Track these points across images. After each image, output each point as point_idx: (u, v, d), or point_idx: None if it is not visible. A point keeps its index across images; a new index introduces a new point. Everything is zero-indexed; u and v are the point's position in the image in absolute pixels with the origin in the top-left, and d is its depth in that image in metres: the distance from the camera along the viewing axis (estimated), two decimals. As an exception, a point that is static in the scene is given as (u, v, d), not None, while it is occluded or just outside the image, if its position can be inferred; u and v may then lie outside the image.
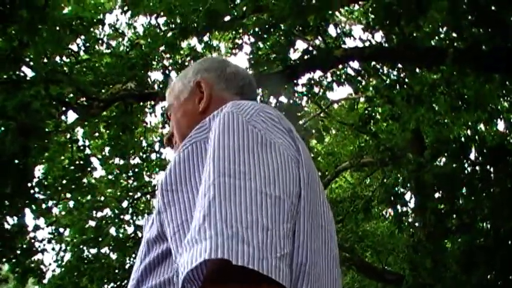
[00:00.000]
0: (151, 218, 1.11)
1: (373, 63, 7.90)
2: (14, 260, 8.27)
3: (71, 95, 7.39)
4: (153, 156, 9.93)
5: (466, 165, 7.27)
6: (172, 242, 0.96)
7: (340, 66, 8.00)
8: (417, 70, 7.76)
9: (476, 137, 7.54)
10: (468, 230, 6.43)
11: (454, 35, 7.03)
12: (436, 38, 7.42)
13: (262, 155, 0.98)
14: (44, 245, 8.95)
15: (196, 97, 1.37)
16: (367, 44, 7.62)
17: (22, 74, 6.91)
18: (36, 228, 8.62)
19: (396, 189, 8.04)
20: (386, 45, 7.33)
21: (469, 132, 8.53)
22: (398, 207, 8.03)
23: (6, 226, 7.49)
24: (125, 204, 9.63)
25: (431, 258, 6.48)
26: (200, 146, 1.04)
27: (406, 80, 7.77)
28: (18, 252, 8.04)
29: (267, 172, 0.96)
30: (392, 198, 7.74)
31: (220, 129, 1.01)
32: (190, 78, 1.41)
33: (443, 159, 7.68)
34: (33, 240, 8.61)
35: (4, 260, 7.85)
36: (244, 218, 0.87)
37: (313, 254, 0.97)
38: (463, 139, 7.52)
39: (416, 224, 8.44)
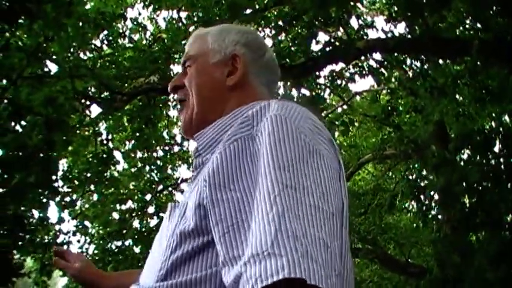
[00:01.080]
0: (180, 207, 1.09)
1: (396, 54, 7.83)
2: (37, 254, 8.41)
3: (93, 89, 7.46)
4: (176, 148, 9.98)
5: (490, 157, 7.18)
6: (222, 243, 0.93)
7: (363, 58, 7.95)
8: (440, 61, 7.68)
9: (501, 128, 7.44)
10: (494, 224, 6.36)
11: (479, 25, 6.94)
12: (460, 28, 7.34)
13: (314, 166, 0.97)
14: (69, 237, 9.10)
15: (227, 69, 1.28)
16: (389, 35, 7.56)
17: (46, 70, 7.01)
18: (61, 220, 8.76)
19: (419, 182, 7.99)
20: (409, 36, 7.26)
21: (493, 124, 8.43)
22: (422, 201, 7.97)
23: (31, 219, 7.61)
24: (148, 197, 9.72)
25: (458, 253, 6.42)
26: (245, 143, 1.01)
27: (430, 71, 7.69)
28: (40, 243, 8.17)
29: (320, 186, 0.95)
30: (416, 192, 7.69)
31: (273, 135, 0.98)
32: (228, 45, 1.30)
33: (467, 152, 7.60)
34: (58, 233, 8.75)
35: (29, 252, 7.98)
36: (309, 235, 0.87)
37: (350, 266, 0.99)
38: (487, 131, 7.43)
39: (440, 217, 8.37)
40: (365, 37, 7.59)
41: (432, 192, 8.11)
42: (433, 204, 8.39)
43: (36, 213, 7.72)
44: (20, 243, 7.45)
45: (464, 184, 6.68)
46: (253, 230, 0.88)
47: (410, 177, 9.03)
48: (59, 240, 8.79)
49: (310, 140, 1.01)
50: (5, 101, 5.46)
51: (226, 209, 0.95)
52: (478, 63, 6.85)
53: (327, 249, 0.88)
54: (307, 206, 0.90)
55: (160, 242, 1.14)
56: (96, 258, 9.26)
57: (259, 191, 0.92)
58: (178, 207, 1.10)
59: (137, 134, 8.85)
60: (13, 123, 6.04)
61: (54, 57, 6.99)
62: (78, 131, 7.90)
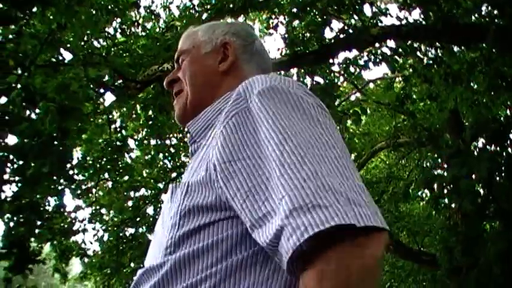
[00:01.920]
0: (182, 187, 1.11)
1: (410, 41, 7.76)
2: (54, 241, 8.50)
3: (107, 77, 7.48)
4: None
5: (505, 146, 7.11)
6: (244, 209, 0.96)
7: (377, 45, 7.89)
8: (455, 49, 7.60)
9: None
10: (506, 215, 6.30)
11: (495, 11, 6.85)
12: (476, 15, 7.25)
13: (323, 121, 1.03)
14: (85, 224, 9.18)
15: (219, 56, 1.35)
16: (403, 22, 7.49)
17: (60, 57, 7.03)
18: (77, 208, 8.83)
19: (433, 171, 7.92)
20: (423, 23, 7.19)
21: (508, 112, 8.35)
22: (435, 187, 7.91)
23: (47, 207, 7.67)
24: (161, 184, 9.76)
25: (466, 242, 6.39)
26: (244, 115, 1.03)
27: (444, 58, 7.62)
28: (58, 231, 8.23)
29: (335, 138, 1.00)
30: (429, 182, 7.64)
31: (275, 100, 1.02)
32: (218, 35, 1.38)
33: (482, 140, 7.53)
34: (74, 221, 8.83)
35: (46, 240, 8.05)
36: (345, 183, 0.90)
37: None
38: (502, 119, 7.35)
39: (453, 206, 8.33)
40: (379, 23, 7.52)
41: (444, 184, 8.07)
42: (446, 192, 8.35)
43: (52, 201, 7.79)
44: (36, 231, 7.52)
45: (477, 174, 6.63)
46: (285, 188, 0.90)
47: (424, 165, 8.97)
48: (74, 228, 8.87)
49: (312, 102, 1.06)
50: (19, 86, 5.48)
51: (240, 178, 0.97)
52: (494, 50, 6.77)
53: (365, 191, 0.92)
54: (333, 159, 0.94)
55: (162, 224, 1.15)
56: (111, 245, 9.34)
57: (280, 153, 0.94)
58: (180, 187, 1.12)
59: (150, 122, 8.88)
60: (28, 112, 6.08)
61: (68, 45, 7.02)
62: (92, 119, 7.93)
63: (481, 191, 6.79)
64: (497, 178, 6.50)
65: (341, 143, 1.00)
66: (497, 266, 5.64)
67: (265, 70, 1.39)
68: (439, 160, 8.04)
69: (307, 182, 0.88)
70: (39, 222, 6.97)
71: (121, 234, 9.41)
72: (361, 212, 0.86)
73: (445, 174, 7.30)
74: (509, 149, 7.05)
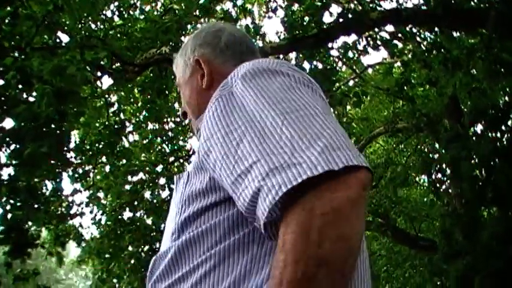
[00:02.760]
0: (184, 177, 1.16)
1: (410, 26, 7.72)
2: (51, 225, 8.50)
3: (106, 60, 7.44)
4: (187, 120, 9.93)
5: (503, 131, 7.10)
6: (222, 174, 0.99)
7: (376, 30, 7.84)
8: (455, 34, 7.56)
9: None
10: (505, 201, 6.31)
11: (495, -3, 6.80)
12: (476, 0, 7.20)
13: (304, 91, 1.04)
14: (82, 208, 9.18)
15: (198, 74, 1.39)
16: (403, 6, 7.45)
17: (57, 40, 6.98)
18: (75, 192, 8.83)
19: (431, 156, 7.93)
20: (423, 7, 7.14)
21: (506, 98, 8.32)
22: (434, 176, 7.91)
23: (44, 191, 7.66)
24: (159, 168, 9.75)
25: (464, 227, 6.40)
26: (227, 98, 1.07)
27: (444, 44, 7.58)
28: (55, 214, 8.24)
29: (316, 104, 1.01)
30: (428, 166, 7.63)
31: (256, 80, 1.05)
32: (190, 56, 1.42)
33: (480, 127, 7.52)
34: (71, 204, 8.83)
35: (43, 223, 8.05)
36: (325, 133, 0.92)
37: None
38: (501, 106, 7.33)
39: (450, 191, 8.34)
40: (378, 8, 7.47)
41: (443, 166, 8.07)
42: (444, 178, 8.35)
43: (49, 185, 7.79)
44: (34, 214, 7.52)
45: (475, 159, 6.63)
46: (261, 151, 0.92)
47: (422, 150, 8.97)
48: (72, 212, 8.88)
49: (296, 75, 1.08)
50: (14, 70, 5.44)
51: (216, 148, 1.01)
52: (494, 35, 6.73)
53: (344, 135, 0.94)
54: (313, 115, 0.96)
55: (170, 216, 1.20)
56: (109, 229, 9.35)
57: (258, 123, 0.97)
58: (182, 177, 1.17)
59: (148, 106, 8.85)
60: (24, 95, 6.04)
61: (65, 27, 6.96)
62: (89, 103, 7.90)
63: (480, 176, 6.79)
64: (497, 162, 6.50)
65: (322, 105, 1.02)
66: (494, 249, 5.66)
67: (244, 52, 1.42)
68: (437, 146, 8.04)
69: (282, 142, 0.91)
70: (36, 206, 6.96)
71: (119, 218, 9.41)
72: (339, 155, 0.88)
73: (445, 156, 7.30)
74: (508, 135, 7.05)
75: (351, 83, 11.02)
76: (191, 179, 1.12)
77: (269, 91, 1.02)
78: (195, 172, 1.11)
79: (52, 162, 6.76)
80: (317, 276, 0.82)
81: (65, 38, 6.98)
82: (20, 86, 5.64)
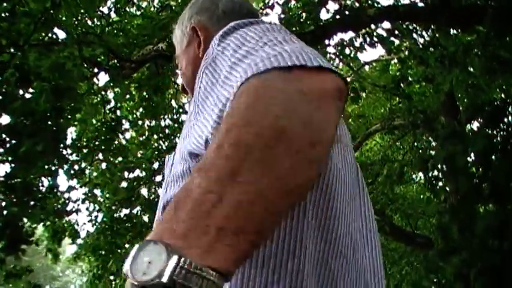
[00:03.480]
0: (171, 158, 1.16)
1: (407, 23, 7.72)
2: (47, 222, 8.49)
3: (102, 57, 7.43)
4: (184, 117, 9.95)
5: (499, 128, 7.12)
6: (200, 126, 0.94)
7: (373, 27, 7.84)
8: (451, 31, 7.56)
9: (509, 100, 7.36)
10: (501, 196, 6.32)
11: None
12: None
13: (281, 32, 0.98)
14: (78, 205, 9.17)
15: (195, 42, 1.32)
16: (400, 2, 7.45)
17: (54, 36, 6.96)
18: (71, 189, 8.81)
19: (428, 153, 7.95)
20: (420, 4, 7.14)
21: (503, 95, 8.34)
22: (431, 173, 7.94)
23: (40, 187, 7.64)
24: (156, 165, 9.74)
25: (460, 224, 6.41)
26: (210, 70, 1.00)
27: (440, 41, 7.59)
28: (51, 211, 8.22)
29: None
30: (424, 163, 7.65)
31: (227, 41, 0.99)
32: (186, 24, 1.36)
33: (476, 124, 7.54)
34: (67, 201, 8.81)
35: (40, 220, 8.04)
36: (286, 46, 0.86)
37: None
38: (497, 103, 7.35)
39: (448, 189, 8.36)
40: (375, 5, 7.47)
41: (440, 163, 8.07)
42: (441, 175, 8.37)
43: (45, 182, 7.77)
44: (29, 211, 7.50)
45: (471, 155, 6.65)
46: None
47: (418, 147, 8.98)
48: (68, 208, 8.86)
49: (266, 30, 0.99)
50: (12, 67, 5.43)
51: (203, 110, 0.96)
52: (491, 33, 6.73)
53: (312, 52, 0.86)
54: (277, 40, 0.90)
55: (161, 195, 1.18)
56: (105, 226, 9.34)
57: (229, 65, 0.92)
58: (170, 159, 1.17)
59: (145, 103, 8.83)
60: (21, 91, 6.03)
61: (62, 24, 6.94)
62: (86, 99, 7.88)
63: (476, 172, 6.81)
64: (493, 158, 6.52)
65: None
66: (489, 243, 5.68)
67: (243, 15, 1.34)
68: (434, 143, 8.05)
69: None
70: (32, 203, 6.95)
71: (116, 216, 9.41)
72: (307, 58, 0.80)
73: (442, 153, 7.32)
74: (504, 132, 7.07)
75: (348, 80, 11.01)
76: (181, 156, 1.08)
77: (240, 43, 0.95)
78: (180, 152, 1.08)
79: (48, 159, 6.75)
80: (274, 150, 0.68)
81: (61, 34, 6.96)
82: (18, 83, 5.63)
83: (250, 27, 0.99)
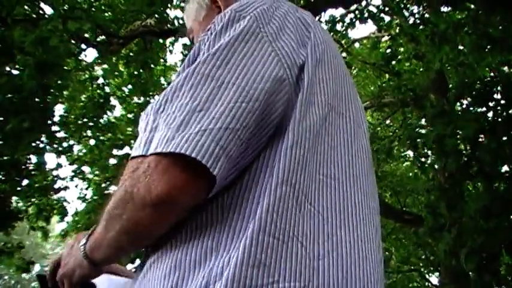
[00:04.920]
0: None
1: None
2: (35, 198, 8.45)
3: (90, 33, 7.34)
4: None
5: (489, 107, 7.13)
6: None
7: (364, 4, 7.79)
8: (442, 9, 7.53)
9: (499, 78, 7.36)
10: (489, 175, 6.35)
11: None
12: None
13: (240, 50, 0.95)
14: (67, 182, 9.13)
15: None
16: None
17: (41, 12, 6.86)
18: (59, 166, 8.76)
19: (417, 130, 7.95)
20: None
21: (492, 74, 8.34)
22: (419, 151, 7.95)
23: (28, 164, 7.60)
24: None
25: (448, 202, 6.45)
26: (199, 45, 1.00)
27: (431, 18, 7.55)
28: (38, 188, 8.18)
29: (235, 71, 0.92)
30: (413, 141, 7.66)
31: (214, 32, 0.99)
32: None
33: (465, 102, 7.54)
34: (55, 179, 8.77)
35: (26, 197, 8.01)
36: (175, 107, 0.90)
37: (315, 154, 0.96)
38: (486, 81, 7.34)
39: (436, 167, 8.39)
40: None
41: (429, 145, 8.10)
42: (430, 153, 8.40)
43: (33, 159, 7.72)
44: (17, 188, 7.46)
45: (460, 134, 6.66)
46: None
47: (408, 125, 8.98)
48: (56, 186, 8.82)
49: (252, 24, 0.98)
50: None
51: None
52: (480, 11, 6.71)
53: (194, 113, 0.87)
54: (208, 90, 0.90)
55: None
56: (95, 204, 9.31)
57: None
58: None
59: (133, 79, 8.76)
60: (7, 68, 5.95)
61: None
62: (74, 76, 7.81)
63: (465, 151, 6.83)
64: (482, 138, 6.53)
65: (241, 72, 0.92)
66: (478, 222, 5.72)
67: None
68: (423, 121, 8.06)
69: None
70: (19, 179, 6.92)
71: (105, 192, 9.38)
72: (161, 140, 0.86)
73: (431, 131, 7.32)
74: (493, 111, 7.08)
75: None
76: None
77: (215, 49, 0.94)
78: None
79: (35, 136, 6.70)
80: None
81: (48, 10, 6.85)
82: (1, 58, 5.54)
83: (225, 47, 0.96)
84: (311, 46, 1.02)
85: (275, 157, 0.91)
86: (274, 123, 0.93)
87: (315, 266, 0.87)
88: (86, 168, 9.62)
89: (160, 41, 8.32)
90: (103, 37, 7.43)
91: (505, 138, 6.54)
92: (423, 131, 8.08)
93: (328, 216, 0.92)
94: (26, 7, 6.49)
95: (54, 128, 7.80)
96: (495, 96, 7.03)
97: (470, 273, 6.57)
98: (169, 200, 0.85)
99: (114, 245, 0.94)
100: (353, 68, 11.45)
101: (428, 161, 8.80)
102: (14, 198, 7.99)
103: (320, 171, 0.95)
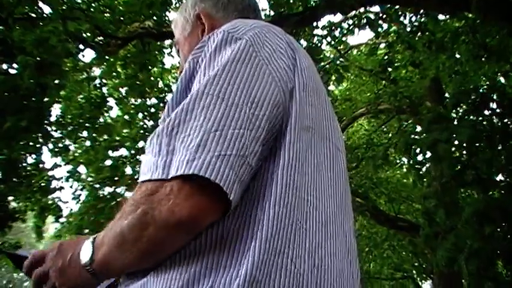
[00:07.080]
0: None
1: (396, 7, 7.71)
2: (32, 198, 8.44)
3: (88, 33, 7.34)
4: (170, 96, 9.84)
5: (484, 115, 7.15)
6: None
7: (362, 10, 7.82)
8: (440, 17, 7.57)
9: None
10: (484, 183, 6.37)
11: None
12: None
13: (241, 72, 0.98)
14: (62, 182, 9.11)
15: (199, 29, 1.34)
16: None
17: (40, 11, 6.86)
18: (55, 166, 8.75)
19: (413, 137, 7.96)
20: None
21: (488, 83, 8.37)
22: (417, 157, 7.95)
23: (24, 164, 7.58)
24: (140, 144, 9.69)
25: (445, 209, 6.46)
26: (194, 63, 1.03)
27: (428, 26, 7.59)
28: (35, 189, 8.16)
29: (242, 93, 0.96)
30: (409, 147, 7.67)
31: (209, 53, 1.02)
32: (190, 11, 1.38)
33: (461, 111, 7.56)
34: (51, 179, 8.75)
35: (26, 198, 7.98)
36: (189, 130, 0.93)
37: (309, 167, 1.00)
38: (483, 90, 7.37)
39: (432, 173, 8.41)
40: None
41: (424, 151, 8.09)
42: (425, 160, 8.41)
43: (30, 159, 7.70)
44: (15, 188, 7.44)
45: (456, 142, 6.67)
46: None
47: (403, 132, 9.00)
48: (52, 186, 8.80)
49: (249, 48, 1.01)
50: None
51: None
52: (478, 21, 6.75)
53: (209, 133, 0.91)
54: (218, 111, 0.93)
55: None
56: (89, 205, 9.29)
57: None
58: None
59: (131, 81, 8.76)
60: (5, 66, 5.94)
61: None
62: (71, 76, 7.80)
63: (461, 158, 6.85)
64: (478, 146, 6.56)
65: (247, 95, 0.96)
66: (474, 228, 5.73)
67: (245, 9, 1.38)
68: (419, 128, 8.08)
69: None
70: (17, 180, 6.91)
71: (100, 194, 9.36)
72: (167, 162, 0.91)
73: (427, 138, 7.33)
74: (487, 120, 7.11)
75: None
76: None
77: (213, 70, 0.98)
78: None
79: (32, 135, 6.69)
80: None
81: (47, 10, 6.85)
82: (1, 58, 5.54)
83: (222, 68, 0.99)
84: (298, 71, 1.06)
85: (270, 179, 0.95)
86: (270, 146, 0.98)
87: (303, 283, 0.92)
88: (81, 169, 9.61)
89: (158, 43, 8.32)
90: (101, 37, 7.43)
91: (500, 147, 6.58)
92: (419, 137, 8.10)
93: (314, 234, 0.97)
94: (25, 7, 6.49)
95: (51, 128, 7.78)
96: (491, 105, 7.06)
97: (463, 280, 6.59)
98: (191, 222, 0.88)
99: (128, 263, 0.95)
100: (350, 74, 11.48)
101: (423, 169, 8.81)
102: (11, 198, 7.99)
103: (307, 191, 0.99)
